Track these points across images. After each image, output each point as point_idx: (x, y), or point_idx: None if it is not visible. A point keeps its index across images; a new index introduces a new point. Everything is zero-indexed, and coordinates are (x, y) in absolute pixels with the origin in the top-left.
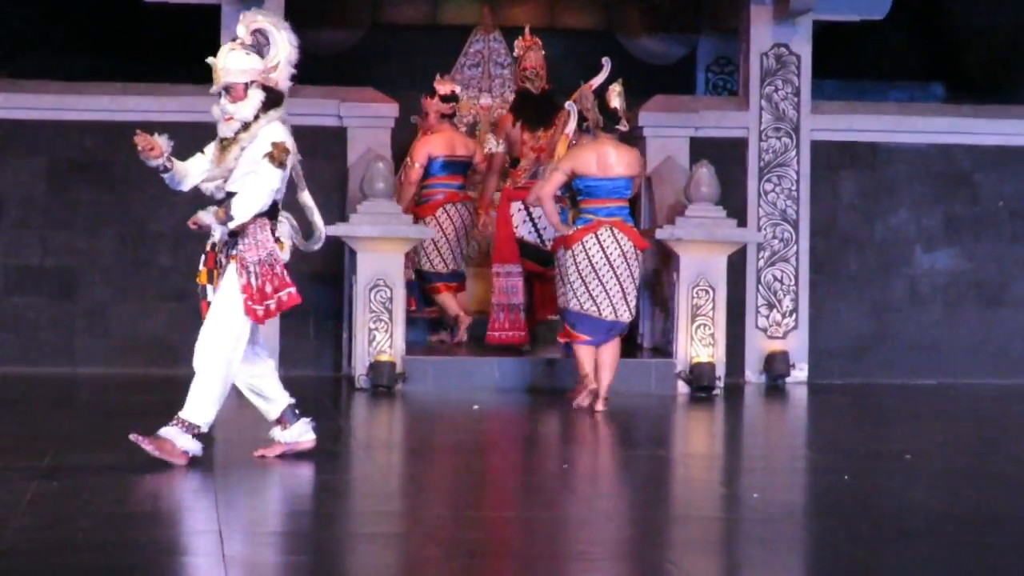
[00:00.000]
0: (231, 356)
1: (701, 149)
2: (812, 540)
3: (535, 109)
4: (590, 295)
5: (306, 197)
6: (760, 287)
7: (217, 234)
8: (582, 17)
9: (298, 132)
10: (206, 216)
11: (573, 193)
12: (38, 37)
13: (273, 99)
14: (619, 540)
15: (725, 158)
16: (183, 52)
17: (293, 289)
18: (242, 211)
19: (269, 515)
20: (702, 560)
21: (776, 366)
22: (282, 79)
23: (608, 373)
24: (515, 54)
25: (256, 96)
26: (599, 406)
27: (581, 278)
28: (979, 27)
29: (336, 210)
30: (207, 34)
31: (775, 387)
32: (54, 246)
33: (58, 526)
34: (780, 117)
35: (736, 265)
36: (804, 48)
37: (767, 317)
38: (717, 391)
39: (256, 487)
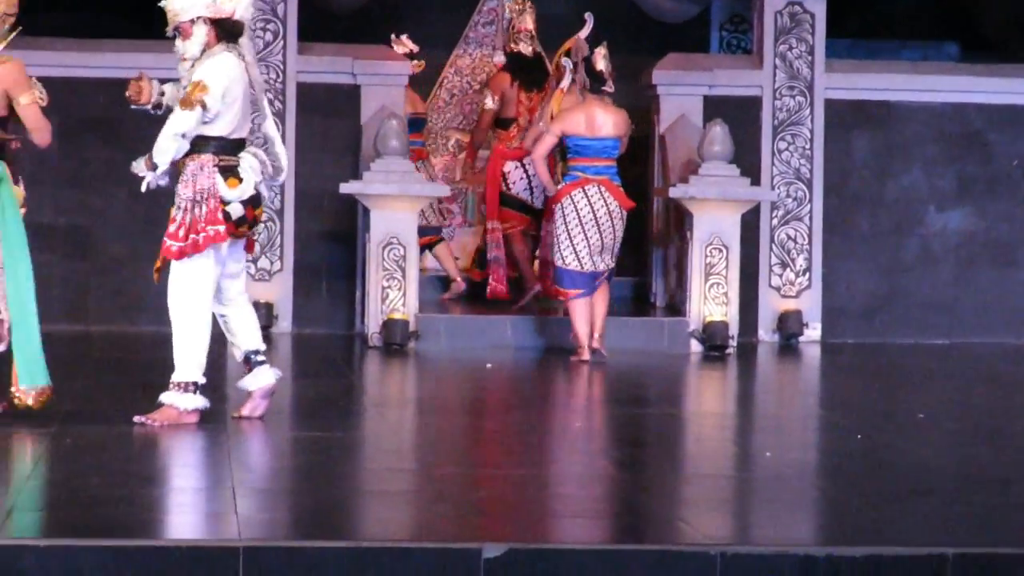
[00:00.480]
0: (195, 301)
1: (715, 108)
2: (824, 499)
3: (531, 71)
4: (573, 249)
5: (268, 127)
6: (773, 246)
7: (147, 179)
8: None
9: (312, 90)
10: (136, 165)
11: (563, 149)
12: None
13: (228, 31)
14: (631, 498)
15: (739, 117)
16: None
17: (222, 228)
18: (159, 157)
19: (281, 472)
20: (714, 518)
21: (789, 325)
22: (240, 8)
23: (601, 313)
24: (506, 16)
25: (200, 32)
26: (594, 343)
27: (567, 231)
28: None
29: (349, 168)
30: None
31: (788, 346)
32: (67, 204)
33: (71, 483)
34: (794, 76)
35: (750, 224)
36: (818, 6)
37: (780, 276)
38: (730, 350)
39: (268, 444)
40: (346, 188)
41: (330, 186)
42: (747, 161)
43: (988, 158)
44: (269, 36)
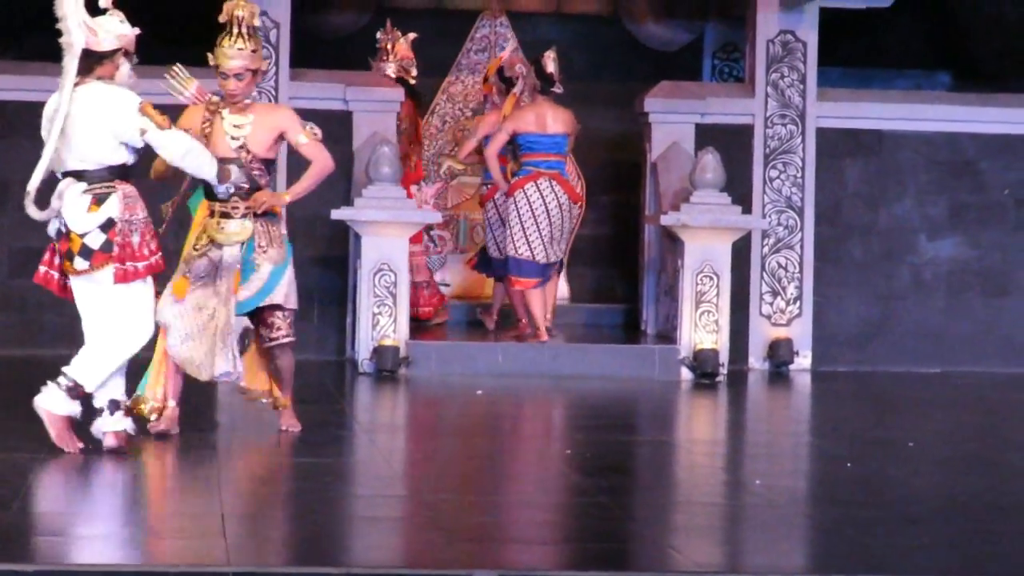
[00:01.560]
0: None
1: (707, 135)
2: (815, 526)
3: (420, 97)
4: (526, 239)
5: (42, 152)
6: (765, 274)
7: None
8: (589, 2)
9: (304, 116)
10: None
11: (515, 148)
12: (44, 18)
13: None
14: (621, 524)
15: (731, 145)
16: (189, 35)
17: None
18: None
19: (271, 498)
20: (704, 546)
21: (780, 353)
22: (95, 36)
23: (550, 302)
24: (380, 46)
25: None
26: (543, 335)
27: (520, 222)
28: (986, 15)
29: (341, 194)
30: (214, 17)
31: (779, 374)
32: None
33: (60, 507)
34: (786, 104)
35: (741, 252)
36: (810, 35)
37: (771, 304)
38: (721, 378)
39: (258, 470)
40: (338, 214)
41: (322, 212)
42: (739, 189)
43: (980, 187)
44: None
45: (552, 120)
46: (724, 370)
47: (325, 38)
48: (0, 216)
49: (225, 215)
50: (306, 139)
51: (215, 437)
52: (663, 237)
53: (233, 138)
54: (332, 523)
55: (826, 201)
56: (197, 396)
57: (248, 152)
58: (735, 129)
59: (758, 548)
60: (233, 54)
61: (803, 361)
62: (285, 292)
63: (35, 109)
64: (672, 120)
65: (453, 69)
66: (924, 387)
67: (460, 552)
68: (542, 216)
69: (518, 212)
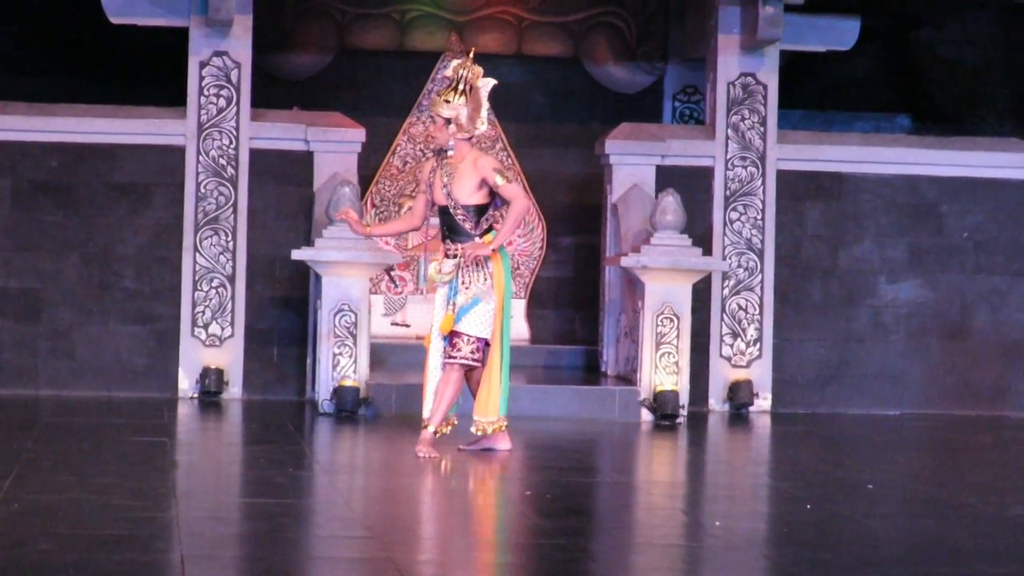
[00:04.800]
0: None
1: (667, 177)
2: (774, 569)
3: None
4: None
5: None
6: (725, 316)
7: None
8: (550, 44)
9: (264, 156)
10: None
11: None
12: (3, 58)
13: None
14: (580, 566)
15: (691, 187)
16: (151, 74)
17: None
18: None
19: (231, 539)
20: None
21: (740, 395)
22: None
23: None
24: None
25: None
26: None
27: None
28: (945, 59)
29: (302, 234)
30: (175, 56)
31: (739, 416)
32: (18, 268)
33: (18, 548)
34: (746, 146)
35: (701, 293)
36: (771, 78)
37: (731, 346)
38: (680, 419)
39: (218, 512)
40: (298, 254)
41: (282, 252)
42: (699, 231)
43: (939, 230)
44: (223, 102)
45: None
46: (684, 412)
47: (287, 79)
48: None
49: (447, 256)
50: (503, 181)
51: (174, 478)
52: (623, 279)
53: (444, 186)
54: (292, 563)
55: (786, 243)
56: (146, 429)
57: (452, 199)
58: (695, 171)
59: None
60: (435, 100)
61: (763, 403)
62: (473, 322)
63: None
64: (632, 162)
65: (414, 110)
66: (883, 429)
67: None
68: None
69: None
